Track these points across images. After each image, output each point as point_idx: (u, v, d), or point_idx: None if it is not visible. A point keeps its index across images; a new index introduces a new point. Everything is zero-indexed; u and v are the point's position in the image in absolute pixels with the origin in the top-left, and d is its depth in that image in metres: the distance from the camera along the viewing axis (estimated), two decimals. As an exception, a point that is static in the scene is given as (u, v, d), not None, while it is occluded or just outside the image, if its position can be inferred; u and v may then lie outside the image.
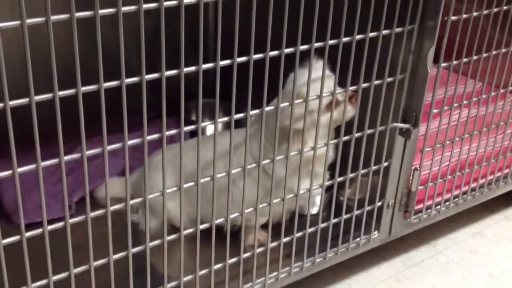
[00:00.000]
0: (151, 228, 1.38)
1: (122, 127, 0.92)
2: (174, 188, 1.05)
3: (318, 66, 1.17)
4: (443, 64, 1.25)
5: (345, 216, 1.30)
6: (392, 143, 1.29)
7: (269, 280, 1.27)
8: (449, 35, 1.22)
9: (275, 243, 1.24)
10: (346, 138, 1.20)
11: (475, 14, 1.24)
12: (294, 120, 1.15)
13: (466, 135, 1.44)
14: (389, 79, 1.18)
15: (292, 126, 1.15)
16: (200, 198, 1.10)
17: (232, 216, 1.14)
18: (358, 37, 1.08)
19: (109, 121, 0.90)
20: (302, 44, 1.02)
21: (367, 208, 1.33)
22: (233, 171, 1.09)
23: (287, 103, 1.10)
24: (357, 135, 1.20)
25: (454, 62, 1.25)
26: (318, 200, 1.49)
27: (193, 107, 1.78)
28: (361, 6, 1.06)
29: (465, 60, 1.28)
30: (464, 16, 1.22)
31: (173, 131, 0.96)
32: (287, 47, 1.01)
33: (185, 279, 1.13)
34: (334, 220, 1.29)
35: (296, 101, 1.09)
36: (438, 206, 1.51)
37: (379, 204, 1.35)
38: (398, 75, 1.19)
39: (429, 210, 1.49)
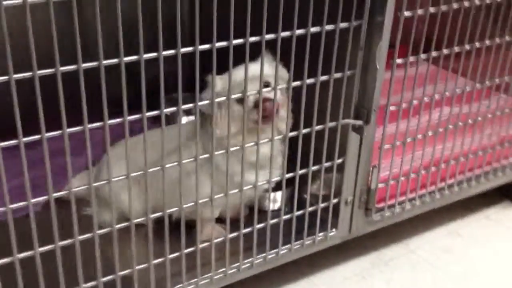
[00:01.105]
0: (107, 221, 1.36)
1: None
2: (122, 177, 1.04)
3: (258, 62, 1.15)
4: (397, 61, 1.21)
5: (297, 213, 1.27)
6: (345, 140, 1.25)
7: (216, 276, 1.24)
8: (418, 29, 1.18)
9: (221, 239, 1.21)
10: (293, 134, 1.17)
11: (432, 10, 1.19)
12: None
13: (430, 133, 1.39)
14: (337, 75, 1.14)
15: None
16: (151, 189, 1.09)
17: (171, 210, 1.12)
18: (298, 32, 1.04)
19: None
20: (236, 38, 0.99)
21: (322, 205, 1.30)
22: (171, 163, 1.07)
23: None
24: (304, 131, 1.17)
25: (411, 58, 1.21)
26: (278, 196, 1.47)
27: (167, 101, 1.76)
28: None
29: (423, 56, 1.23)
30: (419, 12, 1.17)
31: (115, 121, 0.96)
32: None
33: (138, 267, 1.11)
34: (285, 217, 1.26)
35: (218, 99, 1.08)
36: (403, 204, 1.46)
37: (335, 201, 1.32)
38: (346, 71, 1.15)
39: (392, 208, 1.44)
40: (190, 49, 0.96)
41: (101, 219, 1.33)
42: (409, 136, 1.36)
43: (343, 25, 1.09)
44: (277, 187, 1.28)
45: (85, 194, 1.14)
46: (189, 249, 1.17)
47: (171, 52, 0.95)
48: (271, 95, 1.16)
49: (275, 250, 1.30)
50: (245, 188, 1.16)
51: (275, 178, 1.22)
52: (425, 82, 1.31)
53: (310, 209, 1.28)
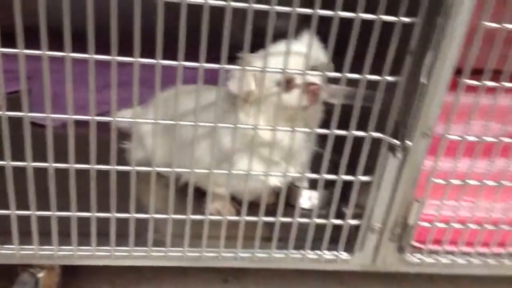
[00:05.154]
0: (138, 158, 1.29)
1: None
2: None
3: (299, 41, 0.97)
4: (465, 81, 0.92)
5: (300, 219, 1.06)
6: (375, 156, 1.01)
7: (207, 253, 1.11)
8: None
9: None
10: (306, 130, 0.97)
11: None
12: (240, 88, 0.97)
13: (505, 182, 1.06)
14: (372, 77, 0.90)
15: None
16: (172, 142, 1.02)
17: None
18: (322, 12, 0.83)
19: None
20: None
21: (333, 220, 1.07)
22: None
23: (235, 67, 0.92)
24: (320, 131, 0.96)
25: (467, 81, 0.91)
26: (313, 195, 1.27)
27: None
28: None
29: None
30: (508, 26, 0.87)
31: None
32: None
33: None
34: (281, 219, 1.06)
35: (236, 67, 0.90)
36: (452, 255, 1.16)
37: (352, 222, 1.08)
38: (384, 75, 0.90)
39: (436, 256, 1.15)
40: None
41: (134, 156, 1.28)
42: (473, 178, 1.05)
43: (387, 18, 0.85)
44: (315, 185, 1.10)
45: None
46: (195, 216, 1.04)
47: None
48: (315, 79, 0.98)
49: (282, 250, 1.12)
50: (235, 172, 1.00)
51: (277, 174, 1.04)
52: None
53: (318, 221, 1.07)
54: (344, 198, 1.07)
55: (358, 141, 0.98)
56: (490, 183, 1.05)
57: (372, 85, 0.91)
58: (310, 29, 0.88)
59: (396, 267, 1.17)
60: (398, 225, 1.09)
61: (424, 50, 0.88)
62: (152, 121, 0.95)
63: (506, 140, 1.00)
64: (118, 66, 0.85)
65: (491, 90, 0.94)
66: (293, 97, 1.01)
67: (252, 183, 1.03)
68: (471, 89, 0.94)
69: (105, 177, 0.96)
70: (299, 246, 1.12)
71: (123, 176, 0.97)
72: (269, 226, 1.09)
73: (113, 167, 0.96)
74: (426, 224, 1.09)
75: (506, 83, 0.93)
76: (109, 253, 1.08)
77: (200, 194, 1.11)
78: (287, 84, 1.01)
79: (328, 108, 1.06)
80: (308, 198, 1.27)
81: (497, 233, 1.13)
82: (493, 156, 1.03)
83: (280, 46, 0.97)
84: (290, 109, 1.00)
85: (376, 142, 1.00)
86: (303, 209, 1.26)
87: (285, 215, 1.07)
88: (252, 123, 0.99)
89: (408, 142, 0.96)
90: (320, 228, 1.10)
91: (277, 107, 1.01)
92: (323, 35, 0.92)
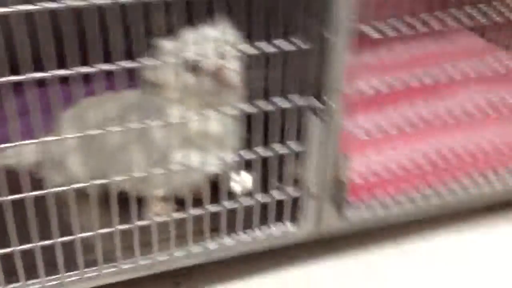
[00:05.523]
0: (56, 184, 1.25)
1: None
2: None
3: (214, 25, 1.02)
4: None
5: (248, 203, 1.09)
6: (300, 125, 1.06)
7: (160, 258, 1.11)
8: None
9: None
10: (232, 112, 1.01)
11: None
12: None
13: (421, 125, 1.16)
14: (281, 43, 0.95)
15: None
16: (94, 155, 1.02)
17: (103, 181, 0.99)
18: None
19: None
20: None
21: (276, 196, 1.11)
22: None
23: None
24: (247, 108, 1.00)
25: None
26: (247, 179, 1.30)
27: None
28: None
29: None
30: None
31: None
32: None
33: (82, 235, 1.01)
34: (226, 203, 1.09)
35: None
36: (387, 206, 1.23)
37: (293, 193, 1.12)
38: (289, 38, 0.95)
39: (372, 208, 1.22)
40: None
41: (53, 181, 1.24)
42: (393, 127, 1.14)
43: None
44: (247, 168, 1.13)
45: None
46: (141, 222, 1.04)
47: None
48: (227, 63, 1.01)
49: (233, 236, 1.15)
50: (174, 168, 1.01)
51: (213, 161, 1.07)
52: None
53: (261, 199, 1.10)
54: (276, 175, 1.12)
55: (282, 115, 1.03)
56: (407, 129, 1.14)
57: (285, 54, 0.96)
58: (220, 13, 0.92)
59: (339, 228, 1.23)
60: (333, 186, 1.15)
61: (326, 10, 0.93)
62: (79, 134, 0.94)
63: (415, 86, 1.09)
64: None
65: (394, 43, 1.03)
66: (202, 82, 1.03)
67: (193, 174, 1.04)
68: (376, 45, 1.01)
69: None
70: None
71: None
72: (211, 217, 1.10)
73: (50, 190, 0.94)
74: (358, 180, 1.16)
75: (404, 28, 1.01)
76: (60, 281, 1.05)
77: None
78: (197, 69, 1.03)
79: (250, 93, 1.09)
80: (238, 182, 1.30)
81: (421, 176, 1.22)
82: (402, 104, 1.12)
83: (193, 32, 1.00)
84: (205, 94, 1.02)
85: (300, 111, 1.04)
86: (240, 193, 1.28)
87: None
88: (179, 114, 1.01)
89: (327, 102, 1.02)
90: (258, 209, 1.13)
91: (192, 93, 1.03)
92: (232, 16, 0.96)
